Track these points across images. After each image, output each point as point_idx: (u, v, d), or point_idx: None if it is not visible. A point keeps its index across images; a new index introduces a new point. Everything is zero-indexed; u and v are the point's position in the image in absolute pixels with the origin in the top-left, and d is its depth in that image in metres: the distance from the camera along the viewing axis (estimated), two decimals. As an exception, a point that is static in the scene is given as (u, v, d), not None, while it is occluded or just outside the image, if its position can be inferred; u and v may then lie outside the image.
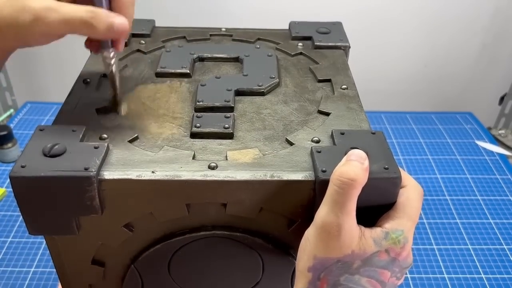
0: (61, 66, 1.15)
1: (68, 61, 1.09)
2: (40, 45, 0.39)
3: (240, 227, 0.41)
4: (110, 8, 0.40)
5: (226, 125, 0.42)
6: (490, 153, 0.97)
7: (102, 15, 0.37)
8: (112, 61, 0.42)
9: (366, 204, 0.37)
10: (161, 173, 0.37)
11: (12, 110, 1.13)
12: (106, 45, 0.42)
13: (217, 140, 0.42)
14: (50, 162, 0.36)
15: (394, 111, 1.10)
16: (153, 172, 0.37)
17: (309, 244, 0.36)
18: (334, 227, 0.34)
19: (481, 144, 0.99)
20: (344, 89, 0.49)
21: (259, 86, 0.48)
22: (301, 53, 0.56)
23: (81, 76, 0.49)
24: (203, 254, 0.42)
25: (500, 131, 1.10)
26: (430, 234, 0.78)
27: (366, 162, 0.35)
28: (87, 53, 0.52)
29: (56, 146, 0.37)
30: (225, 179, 0.37)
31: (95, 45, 0.43)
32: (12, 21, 0.36)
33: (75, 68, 0.51)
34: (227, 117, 0.43)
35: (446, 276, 0.71)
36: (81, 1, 0.40)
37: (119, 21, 0.38)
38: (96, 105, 0.45)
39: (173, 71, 0.51)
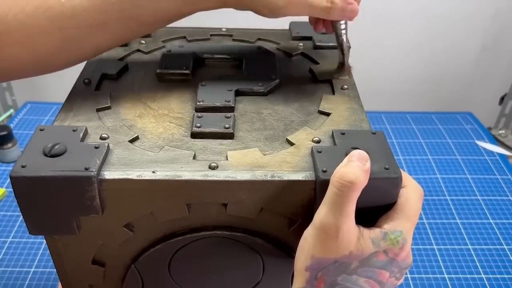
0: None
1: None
2: (266, 17, 0.44)
3: (240, 227, 0.41)
4: None
5: (227, 125, 0.42)
6: (490, 153, 0.97)
7: (338, 6, 0.44)
8: (343, 31, 0.48)
9: (366, 204, 0.37)
10: (162, 173, 0.37)
11: (12, 110, 1.13)
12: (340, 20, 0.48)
13: (218, 140, 0.42)
14: (51, 162, 0.36)
15: (394, 111, 1.10)
16: (153, 172, 0.37)
17: (307, 244, 0.36)
18: (333, 228, 0.34)
19: (481, 144, 0.99)
20: (344, 89, 0.49)
21: (260, 86, 0.48)
22: (301, 53, 0.56)
23: (81, 76, 0.49)
24: (203, 254, 0.42)
25: (500, 131, 1.10)
26: (430, 234, 0.78)
27: (368, 164, 0.35)
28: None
29: (57, 146, 0.37)
30: (226, 179, 0.37)
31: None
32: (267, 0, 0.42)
33: (75, 68, 0.51)
34: (228, 117, 0.43)
35: (446, 276, 0.71)
36: None
37: (351, 7, 0.44)
38: (96, 105, 0.45)
39: (173, 71, 0.50)
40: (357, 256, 0.35)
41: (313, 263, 0.35)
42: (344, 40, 0.49)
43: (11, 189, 0.37)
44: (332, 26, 0.49)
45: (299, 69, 0.53)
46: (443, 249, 0.75)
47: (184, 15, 0.45)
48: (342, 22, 0.48)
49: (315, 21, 0.51)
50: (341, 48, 0.50)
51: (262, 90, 0.48)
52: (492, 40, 1.19)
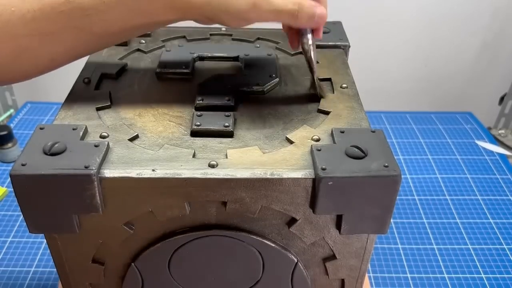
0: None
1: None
2: (231, 26, 0.41)
3: (240, 226, 0.41)
4: None
5: (226, 124, 0.42)
6: (490, 153, 0.97)
7: (306, 7, 0.40)
8: (311, 47, 0.45)
9: (365, 201, 0.37)
10: (162, 171, 0.37)
11: (12, 110, 1.13)
12: (306, 32, 0.44)
13: (217, 138, 0.42)
14: (51, 160, 0.36)
15: (394, 111, 1.10)
16: (153, 170, 0.37)
17: None
18: None
19: (481, 144, 0.99)
20: (344, 88, 0.49)
21: (259, 85, 0.48)
22: (301, 53, 0.56)
23: (81, 76, 0.50)
24: (203, 252, 0.42)
25: (500, 131, 1.10)
26: (430, 234, 0.78)
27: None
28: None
29: (57, 145, 0.37)
30: (225, 177, 0.37)
31: (294, 31, 0.46)
32: (228, 5, 0.39)
33: (75, 68, 0.51)
34: (227, 116, 0.44)
35: (446, 276, 0.71)
36: None
37: (320, 11, 0.41)
38: (96, 104, 0.45)
39: (173, 70, 0.51)
40: None
41: None
42: (313, 57, 0.45)
43: (12, 189, 0.37)
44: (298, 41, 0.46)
45: (299, 68, 0.53)
46: (443, 249, 0.75)
47: (140, 29, 0.43)
48: (310, 36, 0.45)
49: (289, 34, 0.47)
50: (310, 66, 0.46)
51: (261, 89, 0.48)
52: (492, 39, 1.19)
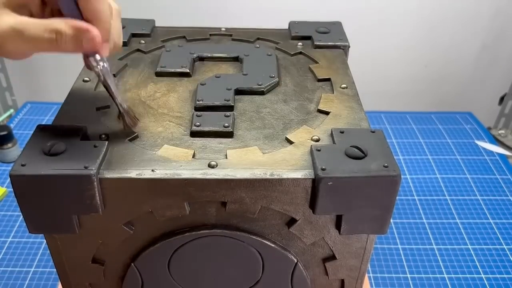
0: (61, 66, 1.16)
1: (68, 61, 1.09)
2: (17, 59, 0.37)
3: (240, 226, 0.41)
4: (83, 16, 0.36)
5: (226, 124, 0.42)
6: (490, 153, 0.97)
7: (66, 34, 0.35)
8: (99, 69, 0.38)
9: (366, 202, 0.37)
10: (161, 172, 0.37)
11: (12, 110, 1.13)
12: (89, 53, 0.38)
13: (217, 138, 0.42)
14: (50, 161, 0.36)
15: (394, 111, 1.10)
16: (153, 170, 0.37)
17: None
18: None
19: (481, 144, 0.99)
20: (343, 88, 0.49)
21: (259, 85, 0.48)
22: (300, 53, 0.56)
23: (81, 76, 0.50)
24: (203, 252, 0.42)
25: (500, 131, 1.10)
26: (430, 234, 0.78)
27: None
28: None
29: (56, 145, 0.38)
30: (225, 177, 0.37)
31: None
32: None
33: (75, 68, 0.51)
34: (227, 116, 0.44)
35: (446, 276, 0.71)
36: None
37: (88, 36, 0.35)
38: (96, 104, 0.45)
39: (173, 70, 0.51)
40: None
41: None
42: (108, 80, 0.39)
43: (12, 189, 0.37)
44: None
45: (298, 68, 0.53)
46: (443, 249, 0.75)
47: None
48: (96, 56, 0.38)
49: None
50: (108, 91, 0.40)
51: (261, 89, 0.48)
52: (492, 40, 1.19)
